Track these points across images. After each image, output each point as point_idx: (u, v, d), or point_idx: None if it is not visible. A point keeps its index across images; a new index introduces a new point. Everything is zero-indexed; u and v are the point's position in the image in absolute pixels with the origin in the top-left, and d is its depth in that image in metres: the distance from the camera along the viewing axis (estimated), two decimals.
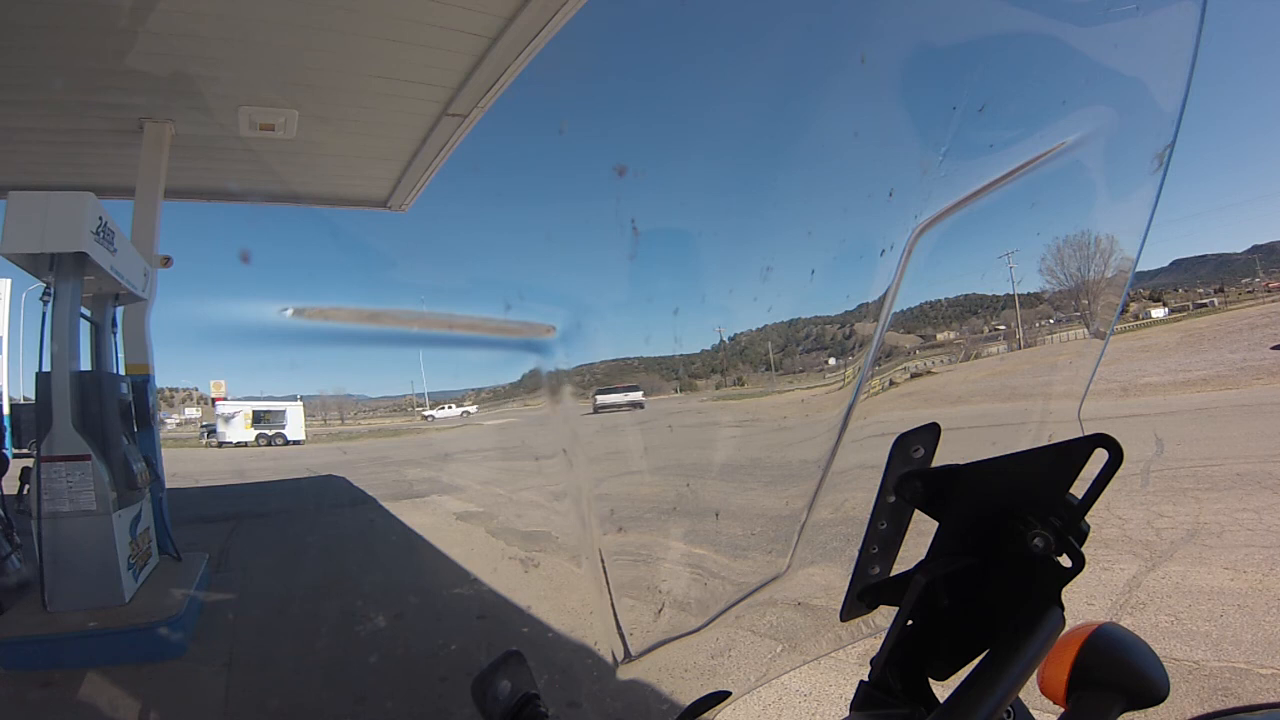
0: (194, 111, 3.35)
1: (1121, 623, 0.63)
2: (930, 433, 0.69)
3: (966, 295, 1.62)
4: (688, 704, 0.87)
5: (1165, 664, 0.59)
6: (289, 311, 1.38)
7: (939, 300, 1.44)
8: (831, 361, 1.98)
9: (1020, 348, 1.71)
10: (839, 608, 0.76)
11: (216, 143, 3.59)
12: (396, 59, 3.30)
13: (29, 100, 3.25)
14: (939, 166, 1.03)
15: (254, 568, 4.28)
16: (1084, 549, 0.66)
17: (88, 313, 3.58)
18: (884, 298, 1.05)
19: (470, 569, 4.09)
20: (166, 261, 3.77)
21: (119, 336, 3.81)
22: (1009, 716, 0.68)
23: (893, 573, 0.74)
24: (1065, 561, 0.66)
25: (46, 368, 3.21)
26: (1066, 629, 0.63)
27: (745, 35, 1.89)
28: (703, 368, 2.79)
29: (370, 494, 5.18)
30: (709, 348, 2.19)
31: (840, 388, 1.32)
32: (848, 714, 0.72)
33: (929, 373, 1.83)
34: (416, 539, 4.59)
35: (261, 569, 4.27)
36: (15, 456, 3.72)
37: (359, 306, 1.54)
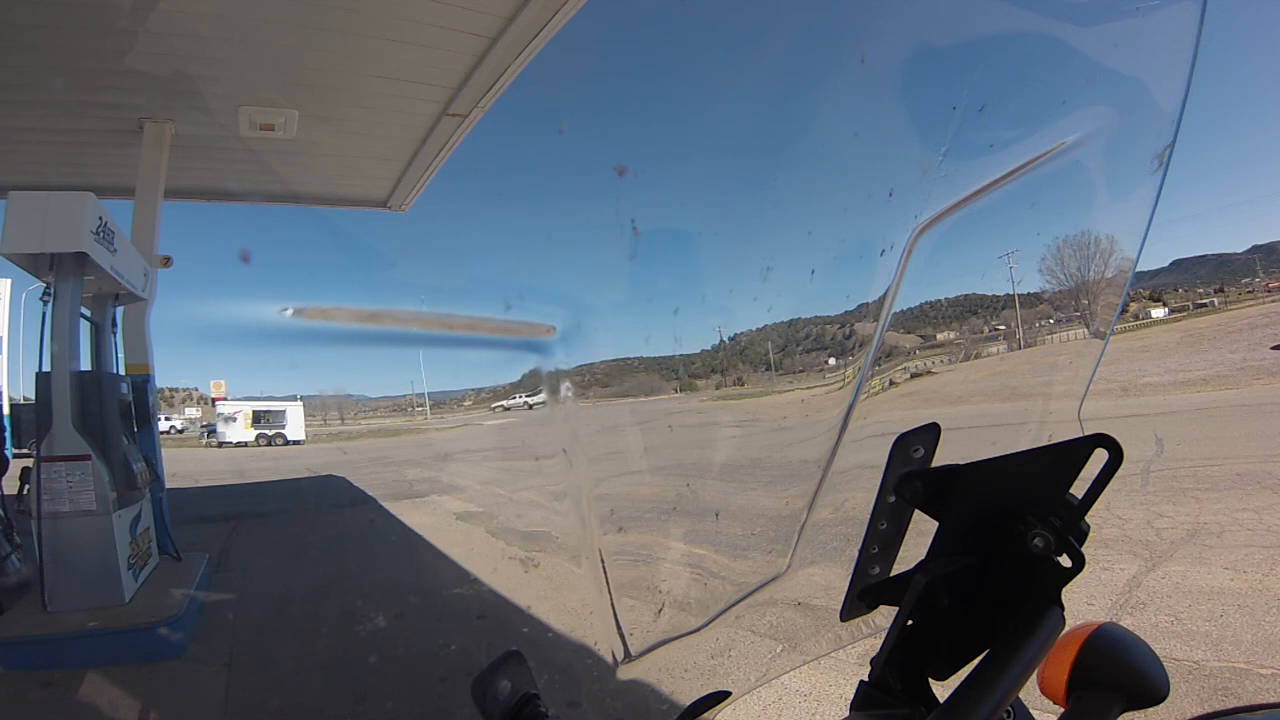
0: (194, 111, 3.35)
1: (1121, 623, 0.63)
2: (930, 433, 0.69)
3: (966, 295, 1.62)
4: (688, 704, 0.87)
5: (1165, 664, 0.59)
6: (289, 311, 1.38)
7: (939, 300, 1.44)
8: (831, 361, 1.98)
9: (1020, 348, 1.70)
10: (839, 608, 0.76)
11: (216, 143, 3.59)
12: (396, 59, 3.30)
13: (29, 100, 3.25)
14: (939, 166, 1.03)
15: (254, 568, 4.28)
16: (1084, 549, 0.65)
17: (88, 313, 3.57)
18: (884, 298, 1.05)
19: (470, 569, 4.09)
20: (166, 261, 3.77)
21: (119, 336, 3.81)
22: (1009, 716, 0.67)
23: (893, 573, 0.74)
24: (1065, 561, 0.66)
25: (46, 368, 3.21)
26: (1066, 629, 0.63)
27: (745, 35, 1.89)
28: (703, 368, 2.78)
29: (370, 494, 5.18)
30: (709, 348, 2.19)
31: (840, 388, 1.32)
32: (848, 714, 0.72)
33: (929, 373, 1.82)
34: (416, 539, 4.59)
35: (261, 569, 4.26)
36: (15, 456, 3.72)
37: (359, 306, 1.54)
